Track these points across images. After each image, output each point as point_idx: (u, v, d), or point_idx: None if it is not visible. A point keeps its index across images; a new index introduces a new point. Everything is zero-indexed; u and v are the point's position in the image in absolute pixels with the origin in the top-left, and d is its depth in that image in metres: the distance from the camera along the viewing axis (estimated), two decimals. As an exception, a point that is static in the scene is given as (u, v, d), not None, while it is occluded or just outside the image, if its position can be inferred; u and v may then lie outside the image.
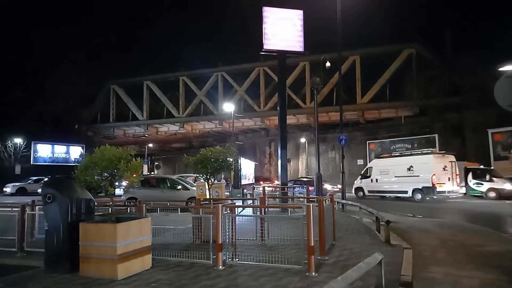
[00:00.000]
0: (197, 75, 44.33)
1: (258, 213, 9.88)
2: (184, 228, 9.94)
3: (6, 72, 45.01)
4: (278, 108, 17.47)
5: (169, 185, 17.33)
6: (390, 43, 37.06)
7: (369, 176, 23.03)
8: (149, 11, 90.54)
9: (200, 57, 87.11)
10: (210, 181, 10.47)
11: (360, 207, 12.12)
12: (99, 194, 8.19)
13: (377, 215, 9.96)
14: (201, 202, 9.62)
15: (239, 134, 46.02)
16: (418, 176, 19.92)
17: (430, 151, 21.15)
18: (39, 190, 27.67)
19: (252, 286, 5.36)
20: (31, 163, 40.89)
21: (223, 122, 42.02)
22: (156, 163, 57.48)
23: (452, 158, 20.59)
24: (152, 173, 50.40)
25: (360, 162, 34.14)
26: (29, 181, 31.99)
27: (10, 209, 9.48)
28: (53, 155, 44.29)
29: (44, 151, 43.51)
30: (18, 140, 40.81)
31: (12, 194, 29.55)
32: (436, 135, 30.17)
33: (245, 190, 21.21)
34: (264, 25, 16.59)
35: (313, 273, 5.79)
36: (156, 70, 46.18)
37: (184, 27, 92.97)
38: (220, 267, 6.20)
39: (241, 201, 15.79)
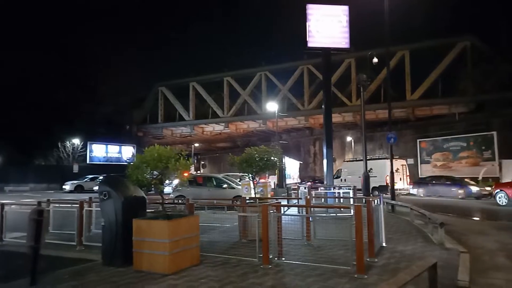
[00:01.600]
0: (241, 75, 44.82)
1: (304, 212, 9.80)
2: (231, 226, 10.12)
3: (64, 79, 48.26)
4: (323, 106, 17.23)
5: (215, 183, 17.66)
6: (442, 35, 35.19)
7: (340, 177, 26.83)
8: (194, 13, 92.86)
9: (243, 58, 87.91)
10: (255, 180, 10.55)
11: (411, 208, 11.64)
12: (149, 192, 8.53)
13: (430, 217, 9.51)
14: (247, 201, 9.69)
15: (283, 133, 45.93)
16: (376, 176, 23.28)
17: (384, 156, 24.90)
18: (95, 188, 29.49)
19: (299, 286, 5.32)
20: (87, 162, 43.48)
21: (267, 122, 42.14)
22: (202, 162, 58.88)
23: (403, 162, 26.02)
24: (198, 172, 51.70)
25: (410, 161, 32.75)
26: (85, 179, 34.06)
27: (69, 205, 10.11)
28: (107, 154, 46.80)
29: (98, 151, 46.10)
30: (76, 141, 43.54)
31: (70, 191, 31.61)
32: (495, 133, 28.15)
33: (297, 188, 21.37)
34: (308, 23, 16.42)
35: (363, 275, 5.64)
36: (202, 72, 47.32)
37: (228, 28, 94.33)
38: (267, 265, 6.22)
39: (286, 200, 15.73)
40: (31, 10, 63.15)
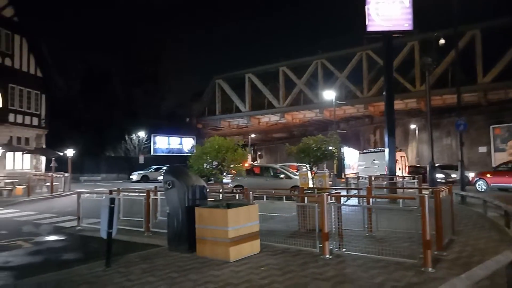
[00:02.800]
0: (296, 64, 44.29)
1: (365, 203, 9.49)
2: (289, 216, 10.11)
3: (129, 75, 51.24)
4: (384, 93, 16.47)
5: (272, 173, 17.76)
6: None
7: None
8: (250, 5, 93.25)
9: (299, 47, 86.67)
10: (312, 170, 10.42)
11: (484, 200, 10.78)
12: (208, 182, 8.79)
13: (506, 209, 8.73)
14: (305, 191, 9.61)
15: (340, 122, 44.76)
16: (377, 166, 25.25)
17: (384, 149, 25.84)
18: (159, 178, 31.16)
19: (362, 277, 5.18)
20: (151, 153, 45.99)
21: (324, 110, 41.33)
22: (259, 153, 59.48)
23: (403, 154, 27.49)
24: (255, 162, 52.36)
25: (482, 149, 30.24)
26: (150, 170, 36.08)
27: (137, 194, 10.75)
28: (169, 146, 49.14)
29: (161, 142, 48.53)
30: (141, 134, 46.19)
31: (137, 181, 33.71)
32: None
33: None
34: (367, 6, 15.69)
35: (430, 269, 5.34)
36: (257, 63, 47.54)
37: (283, 18, 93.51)
38: (327, 256, 6.13)
39: (345, 191, 15.38)
40: (99, 11, 67.61)
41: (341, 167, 27.72)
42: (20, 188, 19.27)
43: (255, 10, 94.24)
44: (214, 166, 7.26)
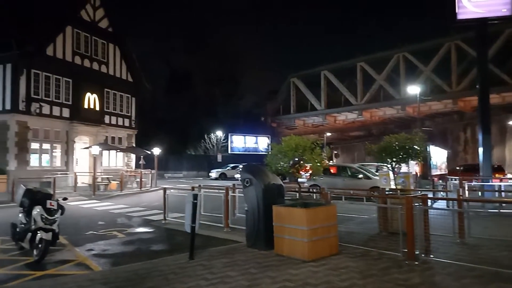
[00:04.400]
0: (375, 59, 42.33)
1: (456, 207, 8.72)
2: (369, 217, 9.71)
3: (210, 76, 53.65)
4: (477, 86, 14.94)
5: (350, 173, 17.21)
6: None
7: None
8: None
9: (377, 40, 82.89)
10: (394, 170, 9.88)
11: None
12: (284, 180, 8.79)
13: None
14: (386, 192, 9.13)
15: (425, 119, 41.73)
16: None
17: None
18: (236, 175, 32.13)
19: (453, 287, 4.75)
20: (229, 152, 47.62)
21: (406, 107, 38.92)
22: (335, 152, 58.09)
23: None
24: (331, 161, 51.29)
25: None
26: (228, 168, 37.38)
27: (217, 191, 11.19)
28: (245, 145, 50.45)
29: (238, 141, 50.01)
30: (219, 133, 48.11)
31: (215, 179, 35.16)
32: None
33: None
34: (456, -8, 14.36)
35: (537, 284, 4.71)
36: (333, 59, 46.49)
37: (359, 12, 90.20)
38: (413, 261, 5.75)
39: (431, 193, 14.31)
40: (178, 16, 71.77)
41: (427, 167, 25.71)
42: (114, 183, 21.29)
43: (328, 5, 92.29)
44: (291, 164, 7.23)
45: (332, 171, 17.69)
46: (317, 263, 5.82)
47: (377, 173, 15.91)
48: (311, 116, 49.01)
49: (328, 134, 52.17)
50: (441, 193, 12.97)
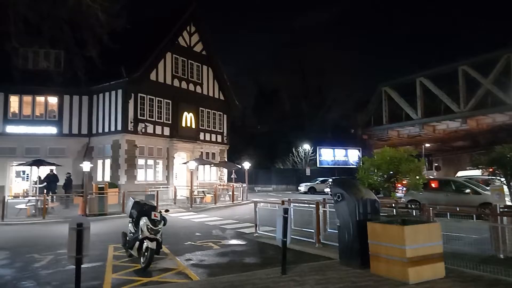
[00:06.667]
0: (480, 61, 38.26)
1: None
2: (479, 237, 8.63)
3: (296, 90, 54.08)
4: None
5: (454, 188, 15.58)
6: None
7: None
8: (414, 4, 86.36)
9: (480, 41, 75.01)
10: (511, 184, 8.73)
11: None
12: (378, 195, 8.32)
13: None
14: (500, 209, 8.04)
15: (545, 125, 36.24)
16: None
17: None
18: (325, 190, 31.50)
19: None
20: (317, 165, 46.96)
21: (521, 113, 34.28)
22: (435, 164, 53.49)
23: None
24: (431, 175, 47.29)
25: None
26: (316, 181, 36.83)
27: (306, 205, 11.06)
28: (334, 158, 49.24)
29: (327, 155, 49.05)
30: (307, 146, 47.84)
31: (305, 193, 34.87)
32: None
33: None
34: None
35: None
36: (429, 65, 43.31)
37: (454, 12, 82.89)
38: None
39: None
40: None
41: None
42: (208, 196, 22.47)
43: (421, 9, 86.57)
44: (385, 179, 6.82)
45: (433, 185, 16.24)
46: (420, 286, 5.33)
47: (487, 188, 14.15)
48: (406, 126, 45.99)
49: (427, 145, 48.38)
50: None
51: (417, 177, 6.82)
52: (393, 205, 7.98)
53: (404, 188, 11.99)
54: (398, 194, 13.51)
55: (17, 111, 23.59)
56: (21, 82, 19.76)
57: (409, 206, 12.01)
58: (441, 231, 6.05)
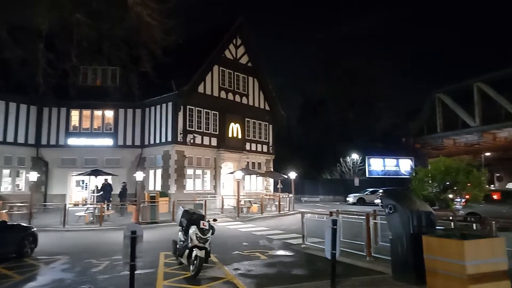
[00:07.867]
0: (545, 63, 35.37)
1: None
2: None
3: (343, 99, 53.11)
4: None
5: (518, 200, 14.39)
6: None
7: None
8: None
9: (546, 41, 69.15)
10: None
11: None
12: (433, 207, 7.88)
13: None
14: None
15: None
16: None
17: None
18: (376, 201, 30.37)
19: None
20: (366, 176, 45.51)
21: None
22: (497, 175, 49.80)
23: None
24: (492, 186, 44.06)
25: None
26: (366, 192, 35.65)
27: (356, 216, 10.72)
28: (384, 168, 47.49)
29: (376, 164, 47.43)
30: (355, 156, 46.61)
31: (353, 203, 33.85)
32: None
33: None
34: None
35: None
36: (487, 69, 40.69)
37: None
38: None
39: None
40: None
41: None
42: (255, 206, 22.52)
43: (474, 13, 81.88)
44: (441, 190, 6.46)
45: (495, 197, 15.10)
46: (483, 306, 4.93)
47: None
48: (463, 134, 43.33)
49: (487, 154, 45.27)
50: None
51: (477, 188, 6.37)
52: (451, 218, 7.51)
53: (463, 200, 11.24)
54: (456, 206, 12.70)
55: (77, 125, 25.29)
56: (81, 98, 21.19)
57: (468, 219, 11.26)
58: (505, 246, 5.58)
